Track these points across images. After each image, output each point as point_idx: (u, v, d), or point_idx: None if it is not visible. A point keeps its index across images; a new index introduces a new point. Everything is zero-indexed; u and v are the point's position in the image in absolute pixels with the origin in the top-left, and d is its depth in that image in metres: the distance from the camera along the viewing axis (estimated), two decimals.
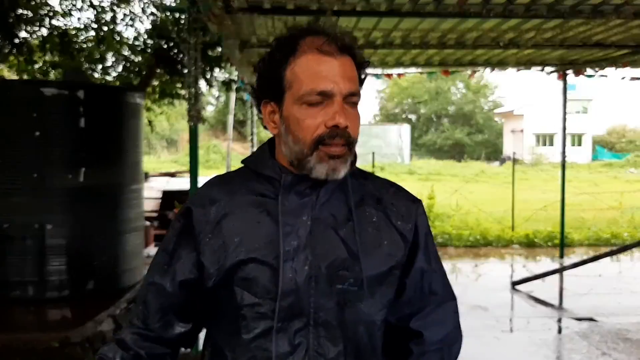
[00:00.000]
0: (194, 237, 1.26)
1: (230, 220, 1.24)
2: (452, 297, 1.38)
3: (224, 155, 28.13)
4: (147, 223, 6.67)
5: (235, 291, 1.21)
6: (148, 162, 25.99)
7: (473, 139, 49.34)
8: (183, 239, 1.29)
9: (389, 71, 8.21)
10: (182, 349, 1.39)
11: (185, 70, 4.93)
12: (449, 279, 1.41)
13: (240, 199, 1.26)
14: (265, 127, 1.31)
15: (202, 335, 1.39)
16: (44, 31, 6.53)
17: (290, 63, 1.21)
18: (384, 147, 34.63)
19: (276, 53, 1.23)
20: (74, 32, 6.76)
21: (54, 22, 6.56)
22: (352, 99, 1.21)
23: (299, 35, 1.23)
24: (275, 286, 1.19)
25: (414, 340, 1.33)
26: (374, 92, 53.91)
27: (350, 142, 1.21)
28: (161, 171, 13.04)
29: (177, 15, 5.76)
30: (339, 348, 1.21)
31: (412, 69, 8.31)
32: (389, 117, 52.94)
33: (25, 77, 7.03)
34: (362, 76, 1.27)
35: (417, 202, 1.37)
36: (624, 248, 7.01)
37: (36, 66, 6.93)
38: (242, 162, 1.35)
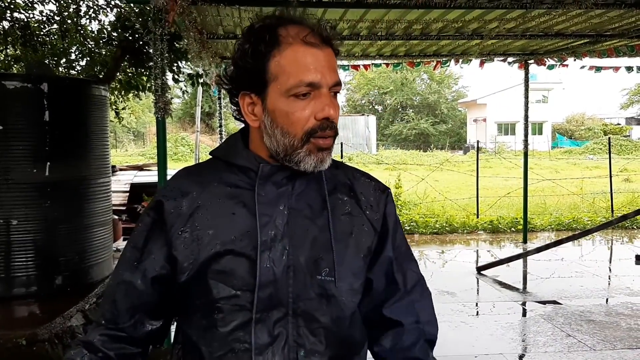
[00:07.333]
0: (165, 231, 1.21)
1: (204, 213, 1.21)
2: (422, 279, 1.38)
3: (192, 147, 27.88)
4: (115, 217, 6.60)
5: (210, 284, 1.17)
6: (115, 156, 25.61)
7: (437, 128, 50.04)
8: (154, 234, 1.24)
9: (355, 62, 8.26)
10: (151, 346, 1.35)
11: (152, 62, 4.88)
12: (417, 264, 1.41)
13: (213, 190, 1.23)
14: (237, 119, 1.27)
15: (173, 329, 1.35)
16: (5, 24, 6.37)
17: (275, 55, 1.17)
18: (352, 138, 34.88)
19: (256, 44, 1.18)
20: (36, 25, 6.60)
21: (15, 14, 6.39)
22: (336, 89, 1.20)
23: (277, 25, 1.18)
24: (253, 277, 1.16)
25: (389, 328, 1.33)
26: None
27: (336, 133, 1.21)
28: (129, 164, 12.85)
29: (141, 6, 5.69)
30: (318, 338, 1.19)
31: (379, 61, 8.37)
32: (356, 108, 53.17)
33: None
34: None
35: (386, 191, 1.37)
36: (585, 232, 7.19)
37: None
38: (211, 153, 1.31)
